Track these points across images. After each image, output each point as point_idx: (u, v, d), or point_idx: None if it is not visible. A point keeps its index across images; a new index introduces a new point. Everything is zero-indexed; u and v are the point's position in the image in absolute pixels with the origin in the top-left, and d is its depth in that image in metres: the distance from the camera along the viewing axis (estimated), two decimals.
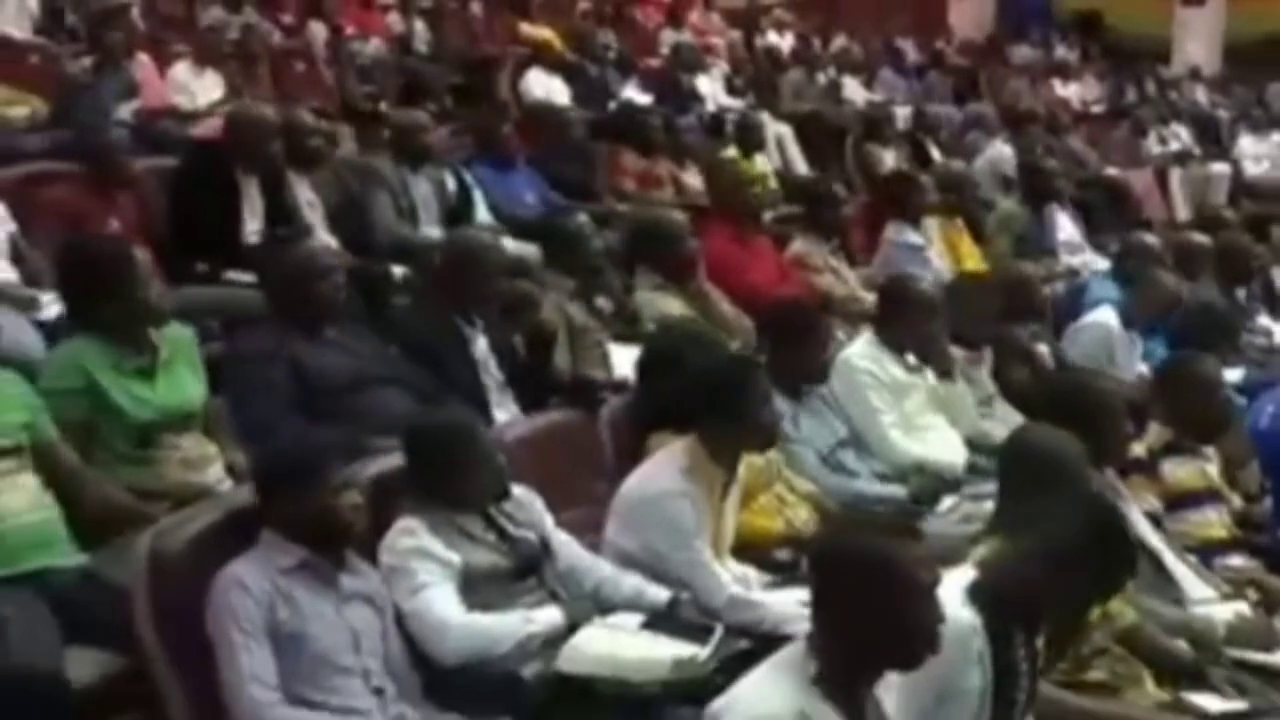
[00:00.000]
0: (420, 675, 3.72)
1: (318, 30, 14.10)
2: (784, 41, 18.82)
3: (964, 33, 21.92)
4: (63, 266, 4.70)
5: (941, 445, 5.60)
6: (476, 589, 3.85)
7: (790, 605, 4.15)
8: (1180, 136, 15.90)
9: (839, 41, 19.20)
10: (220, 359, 4.84)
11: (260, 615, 3.45)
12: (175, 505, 4.12)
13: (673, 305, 6.25)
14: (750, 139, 10.99)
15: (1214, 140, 16.55)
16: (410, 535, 3.84)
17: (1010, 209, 9.68)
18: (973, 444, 5.71)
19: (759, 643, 3.89)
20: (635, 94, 13.49)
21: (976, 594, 3.31)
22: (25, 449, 4.03)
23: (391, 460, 4.10)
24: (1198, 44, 21.32)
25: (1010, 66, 19.74)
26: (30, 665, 3.58)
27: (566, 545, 4.16)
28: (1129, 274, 7.39)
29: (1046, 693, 3.59)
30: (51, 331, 5.17)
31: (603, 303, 6.09)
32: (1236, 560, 4.99)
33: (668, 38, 17.25)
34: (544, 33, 15.62)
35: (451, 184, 7.85)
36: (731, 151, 10.99)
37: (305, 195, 7.08)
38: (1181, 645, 4.22)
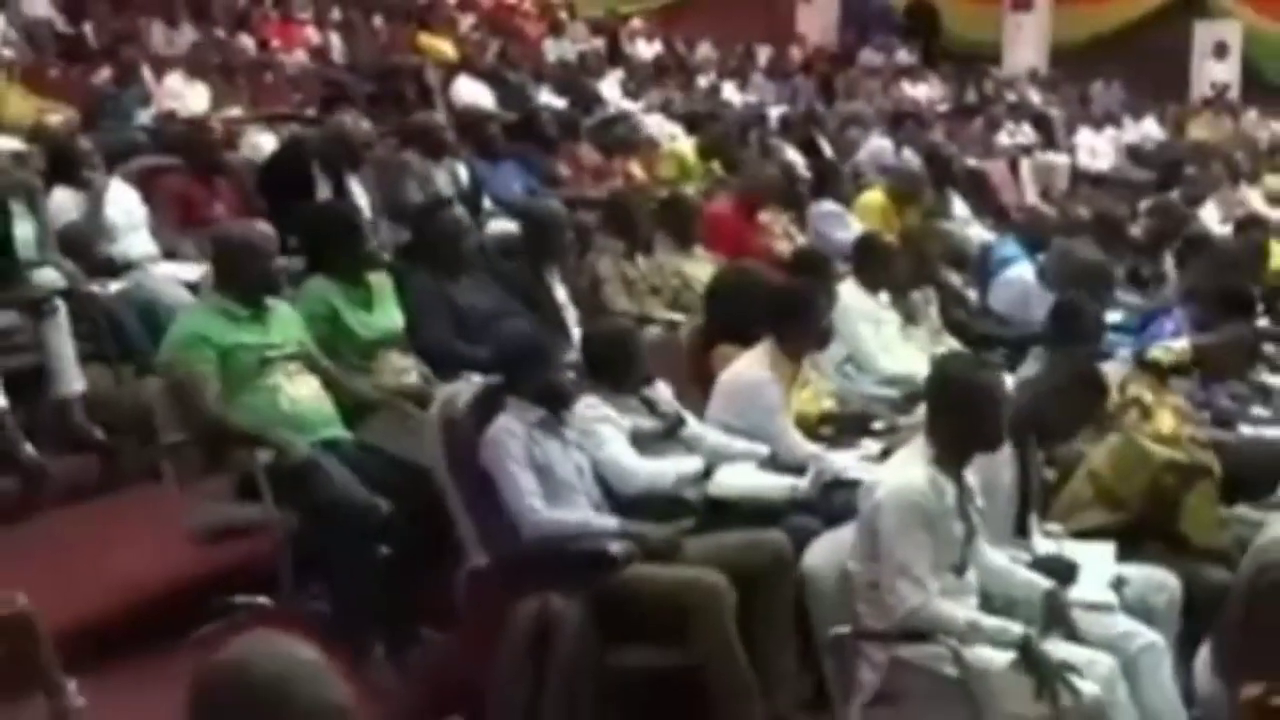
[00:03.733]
0: (609, 503, 5.17)
1: (246, 43, 15.23)
2: (651, 49, 20.33)
3: (812, 38, 23.52)
4: (309, 226, 6.13)
5: (912, 362, 7.09)
6: (640, 445, 5.33)
7: (845, 460, 5.78)
8: (1025, 131, 17.76)
9: (703, 49, 20.75)
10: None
11: (523, 451, 4.88)
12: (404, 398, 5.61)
13: (685, 264, 7.80)
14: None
15: (1048, 135, 18.47)
16: (593, 408, 5.29)
17: None
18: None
19: (833, 480, 5.53)
20: (550, 98, 14.90)
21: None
22: (302, 356, 5.46)
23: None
24: (1027, 47, 23.20)
25: (861, 69, 21.50)
26: (353, 495, 5.00)
27: (689, 418, 5.68)
28: (1030, 238, 9.15)
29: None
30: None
31: (641, 260, 7.66)
32: None
33: (550, 47, 18.68)
34: (441, 44, 16.96)
35: (464, 174, 9.33)
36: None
37: (355, 187, 8.51)
38: None
